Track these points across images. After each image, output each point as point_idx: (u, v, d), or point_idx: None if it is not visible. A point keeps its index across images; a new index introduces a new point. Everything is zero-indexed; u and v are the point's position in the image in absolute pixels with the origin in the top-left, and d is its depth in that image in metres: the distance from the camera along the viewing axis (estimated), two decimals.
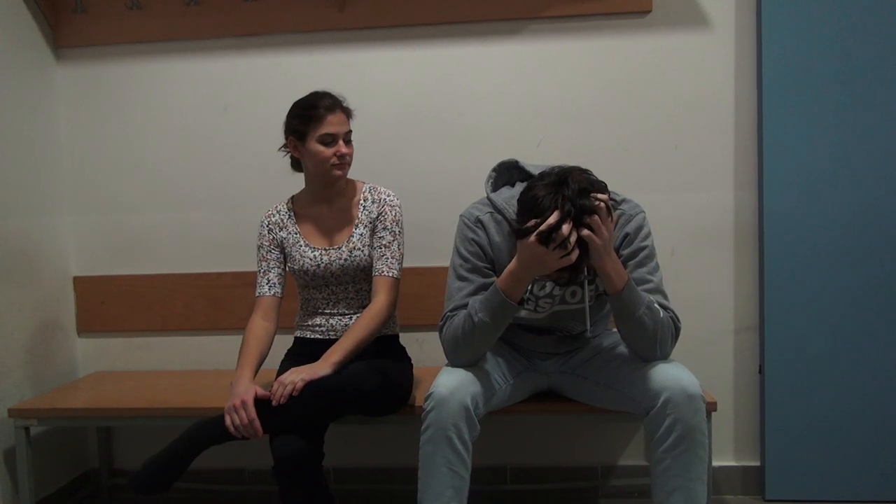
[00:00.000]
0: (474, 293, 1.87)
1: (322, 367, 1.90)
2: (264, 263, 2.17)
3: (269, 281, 2.15)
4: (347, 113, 2.10)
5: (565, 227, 1.64)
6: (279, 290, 2.16)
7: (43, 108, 2.59)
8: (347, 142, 2.08)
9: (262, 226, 2.19)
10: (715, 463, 2.44)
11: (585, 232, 1.66)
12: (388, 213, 2.13)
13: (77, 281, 2.69)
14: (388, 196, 2.15)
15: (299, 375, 1.86)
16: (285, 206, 2.20)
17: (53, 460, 2.55)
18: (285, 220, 2.18)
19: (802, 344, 2.40)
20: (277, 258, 2.17)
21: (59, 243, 2.64)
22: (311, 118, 2.04)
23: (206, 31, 2.58)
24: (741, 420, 2.53)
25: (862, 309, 2.38)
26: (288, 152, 2.15)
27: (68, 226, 2.68)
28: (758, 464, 2.52)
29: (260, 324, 2.10)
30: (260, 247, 2.18)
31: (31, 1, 2.52)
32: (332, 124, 2.04)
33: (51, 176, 2.61)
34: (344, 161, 2.07)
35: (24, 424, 2.23)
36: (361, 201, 2.15)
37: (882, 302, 2.37)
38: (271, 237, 2.18)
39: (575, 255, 1.67)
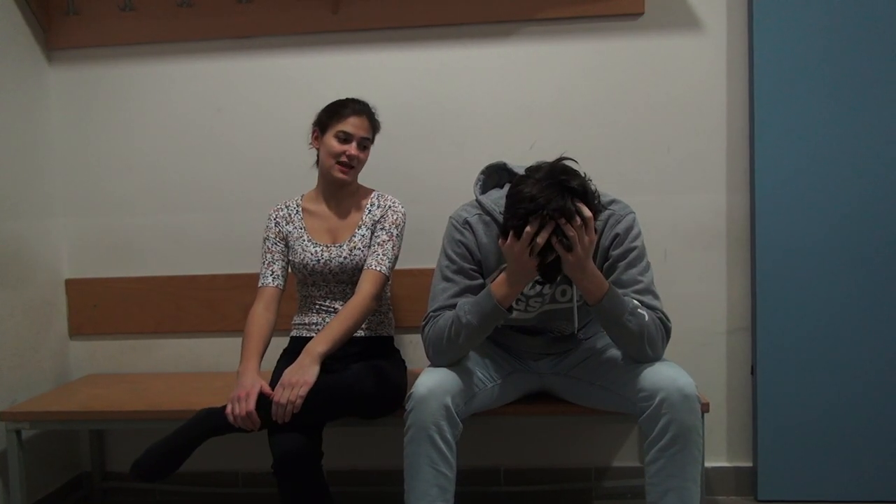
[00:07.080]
0: (458, 294, 1.88)
1: (310, 364, 1.90)
2: (269, 255, 2.20)
3: (272, 272, 2.18)
4: (373, 123, 2.18)
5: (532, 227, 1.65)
6: (282, 283, 2.19)
7: (35, 111, 2.57)
8: (363, 148, 2.16)
9: (269, 218, 2.24)
10: (707, 464, 2.44)
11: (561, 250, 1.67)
12: (390, 216, 2.16)
13: (69, 283, 2.68)
14: (393, 202, 2.20)
15: (295, 391, 1.85)
16: (294, 202, 2.25)
17: (45, 464, 2.53)
18: (292, 215, 2.22)
19: (794, 345, 2.41)
20: (282, 251, 2.21)
21: (51, 246, 2.63)
22: (336, 114, 2.14)
23: (198, 33, 2.58)
24: (733, 421, 2.54)
25: (853, 309, 2.39)
26: (311, 145, 2.22)
27: (61, 228, 2.67)
28: (750, 464, 2.53)
29: (262, 314, 2.12)
30: (266, 238, 2.22)
31: (23, 3, 2.51)
32: (351, 124, 2.12)
33: (43, 178, 2.60)
34: (350, 163, 2.13)
35: (16, 428, 2.21)
36: (368, 206, 2.20)
37: (873, 302, 2.39)
38: (277, 230, 2.22)
39: (550, 256, 1.69)
